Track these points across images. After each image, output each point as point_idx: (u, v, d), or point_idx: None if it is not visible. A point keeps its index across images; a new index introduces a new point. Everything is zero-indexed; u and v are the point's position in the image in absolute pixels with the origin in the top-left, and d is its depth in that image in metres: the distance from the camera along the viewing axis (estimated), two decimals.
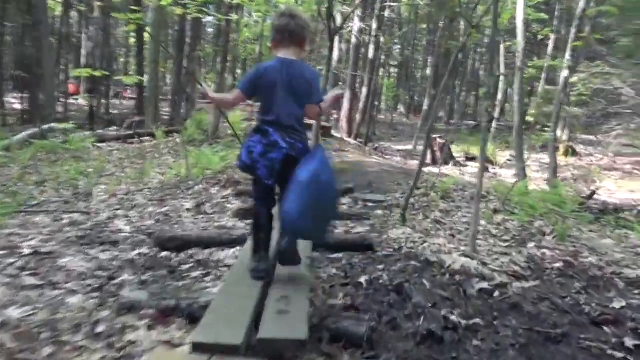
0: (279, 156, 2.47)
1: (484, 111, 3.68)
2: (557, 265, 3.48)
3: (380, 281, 2.92)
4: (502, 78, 19.58)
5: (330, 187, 2.47)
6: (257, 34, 21.66)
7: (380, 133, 23.82)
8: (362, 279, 2.92)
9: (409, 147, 17.25)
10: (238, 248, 3.39)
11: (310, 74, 2.61)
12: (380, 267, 3.22)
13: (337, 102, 3.21)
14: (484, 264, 3.32)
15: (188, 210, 4.95)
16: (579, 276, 3.27)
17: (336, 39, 12.52)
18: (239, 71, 36.46)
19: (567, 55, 7.24)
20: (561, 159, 13.44)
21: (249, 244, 3.25)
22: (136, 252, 3.36)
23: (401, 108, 41.99)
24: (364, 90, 16.24)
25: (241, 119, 10.71)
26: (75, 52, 28.20)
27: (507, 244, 3.99)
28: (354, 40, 14.77)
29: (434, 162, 11.27)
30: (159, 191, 6.27)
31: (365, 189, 6.24)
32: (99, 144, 12.32)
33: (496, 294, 2.81)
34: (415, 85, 39.80)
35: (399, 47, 35.12)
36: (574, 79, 16.62)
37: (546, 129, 15.60)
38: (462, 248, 3.68)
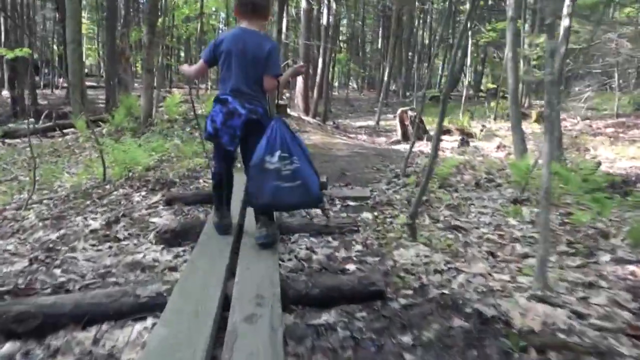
0: (239, 123, 2.52)
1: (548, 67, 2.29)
2: None
3: None
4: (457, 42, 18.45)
5: (289, 158, 2.41)
6: (197, 12, 19.82)
7: (336, 110, 22.37)
8: None
9: (370, 122, 15.92)
10: (150, 321, 1.89)
11: (270, 46, 2.54)
12: (406, 338, 1.81)
13: (297, 76, 3.02)
14: (578, 315, 1.95)
15: (92, 232, 3.38)
16: None
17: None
18: (182, 54, 33.92)
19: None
20: (534, 126, 12.40)
21: (166, 314, 1.78)
22: None
23: (352, 83, 40.56)
24: (319, 62, 14.62)
25: (178, 101, 9.00)
26: None
27: (574, 261, 2.65)
28: (304, 4, 13.08)
29: (405, 137, 9.92)
30: (63, 202, 4.63)
31: (339, 181, 4.82)
32: (10, 140, 10.38)
33: None
34: (365, 59, 38.39)
35: (345, 20, 33.57)
36: (540, 40, 15.59)
37: (507, 96, 14.57)
38: (522, 280, 2.31)
